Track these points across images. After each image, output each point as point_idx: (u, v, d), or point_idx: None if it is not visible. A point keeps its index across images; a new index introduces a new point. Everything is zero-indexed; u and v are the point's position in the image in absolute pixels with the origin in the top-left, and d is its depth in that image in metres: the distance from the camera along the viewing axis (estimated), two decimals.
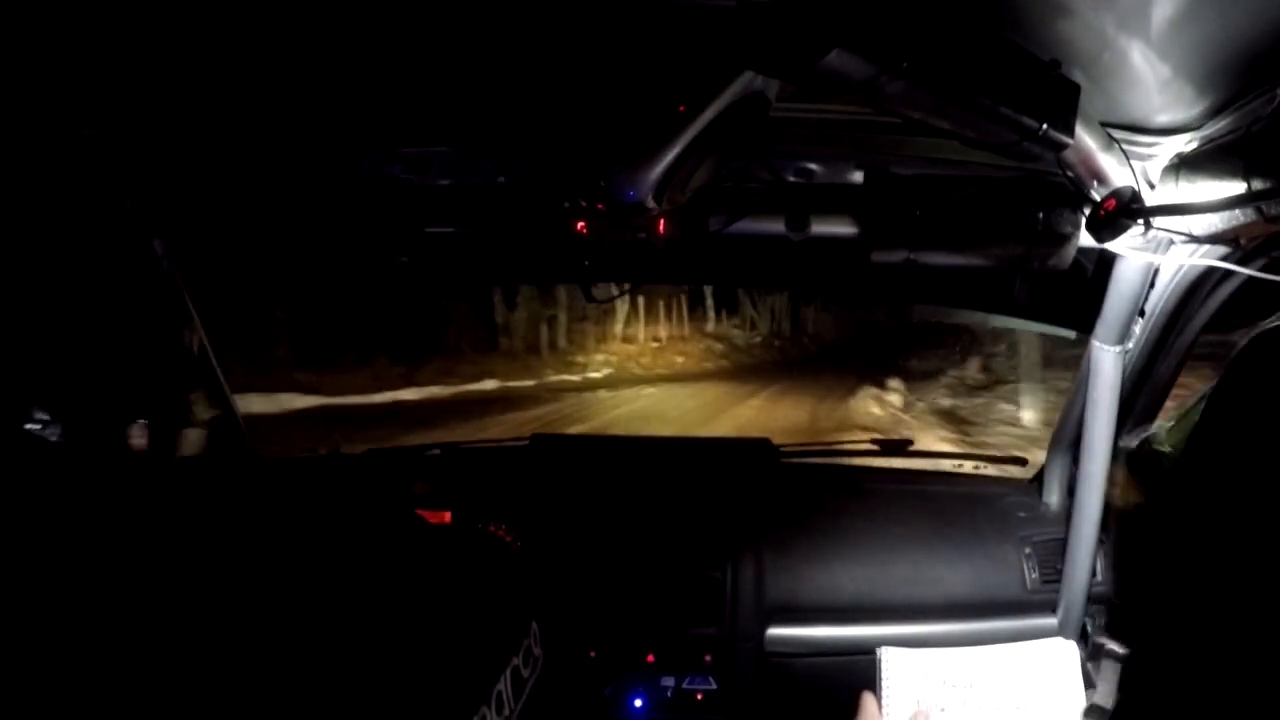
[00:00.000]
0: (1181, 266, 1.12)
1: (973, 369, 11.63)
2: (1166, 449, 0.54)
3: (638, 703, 1.39)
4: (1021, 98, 0.85)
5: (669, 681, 1.40)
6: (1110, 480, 1.23)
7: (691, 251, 1.14)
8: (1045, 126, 0.87)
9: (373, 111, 1.12)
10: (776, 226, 1.18)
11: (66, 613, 0.59)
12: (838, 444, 1.88)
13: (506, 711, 0.71)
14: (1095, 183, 1.03)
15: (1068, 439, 1.47)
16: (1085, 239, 1.10)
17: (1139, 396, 1.30)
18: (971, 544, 1.50)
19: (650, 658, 1.41)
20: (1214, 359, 0.85)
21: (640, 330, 14.28)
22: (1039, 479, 1.61)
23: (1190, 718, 0.44)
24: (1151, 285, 1.18)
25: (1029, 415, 8.50)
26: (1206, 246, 1.04)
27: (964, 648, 1.27)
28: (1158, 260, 1.13)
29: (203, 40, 0.91)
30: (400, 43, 0.93)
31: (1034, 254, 1.11)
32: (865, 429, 8.27)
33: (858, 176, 1.22)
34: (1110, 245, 1.06)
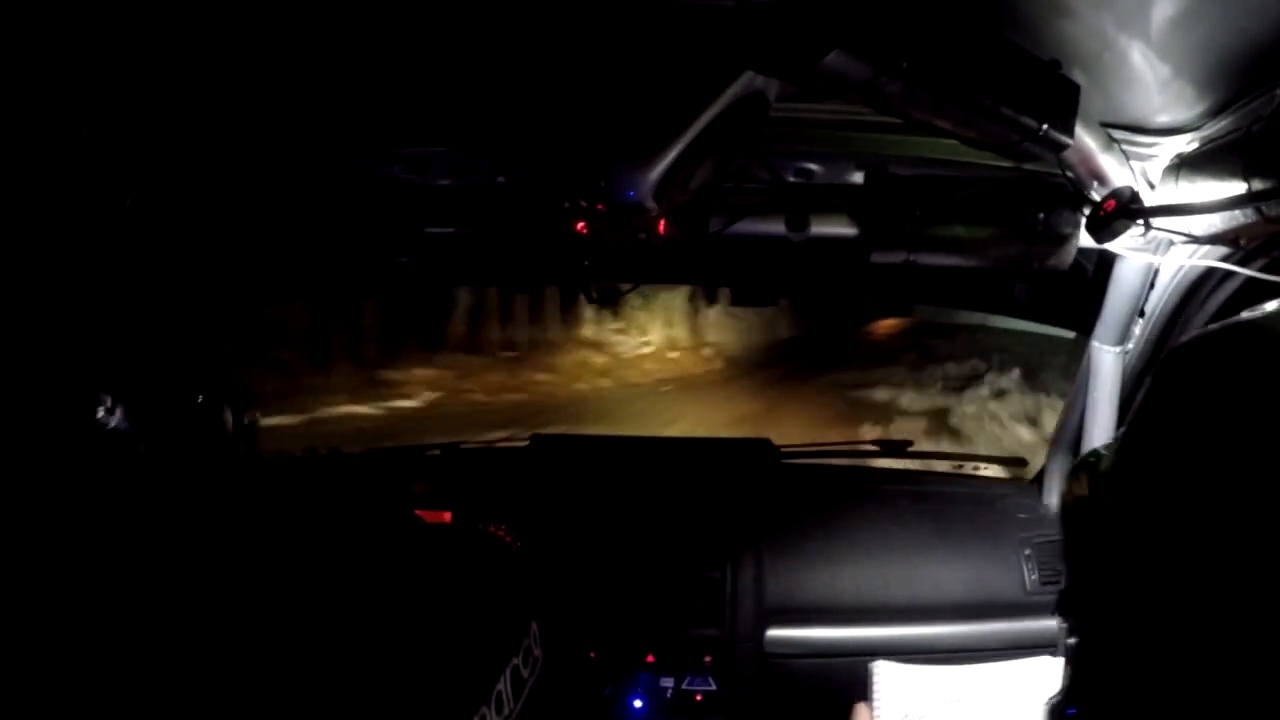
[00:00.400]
0: (1181, 267, 1.12)
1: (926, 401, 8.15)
2: (1104, 453, 0.56)
3: (637, 703, 1.39)
4: (1021, 98, 0.85)
5: (668, 682, 1.40)
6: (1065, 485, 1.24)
7: (691, 252, 1.15)
8: (1045, 127, 0.87)
9: (373, 111, 1.12)
10: (776, 227, 1.18)
11: (70, 614, 0.59)
12: (838, 444, 1.88)
13: (506, 711, 0.71)
14: (1095, 183, 1.03)
15: (1068, 440, 1.47)
16: (1085, 239, 1.10)
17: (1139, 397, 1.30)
18: (972, 545, 1.50)
19: (650, 658, 1.40)
20: None
21: (494, 332, 9.62)
22: (1039, 480, 1.61)
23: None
24: (1151, 286, 1.18)
25: None
26: (1206, 247, 1.04)
27: (956, 666, 1.27)
28: (1158, 261, 1.13)
29: (203, 40, 0.91)
30: (400, 43, 0.93)
31: (1034, 254, 1.11)
32: None
33: (858, 177, 1.22)
34: (1110, 246, 1.06)
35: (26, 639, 0.57)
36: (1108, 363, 1.23)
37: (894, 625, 1.42)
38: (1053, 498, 1.56)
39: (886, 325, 14.39)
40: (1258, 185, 0.79)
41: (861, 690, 1.14)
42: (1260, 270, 0.97)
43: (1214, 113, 0.90)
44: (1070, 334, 1.50)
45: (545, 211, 1.16)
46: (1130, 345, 1.24)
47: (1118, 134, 0.99)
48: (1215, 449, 0.41)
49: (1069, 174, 1.04)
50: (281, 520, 0.79)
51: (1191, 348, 0.48)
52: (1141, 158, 1.01)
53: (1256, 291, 0.97)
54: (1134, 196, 1.00)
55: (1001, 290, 1.20)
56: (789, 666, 1.43)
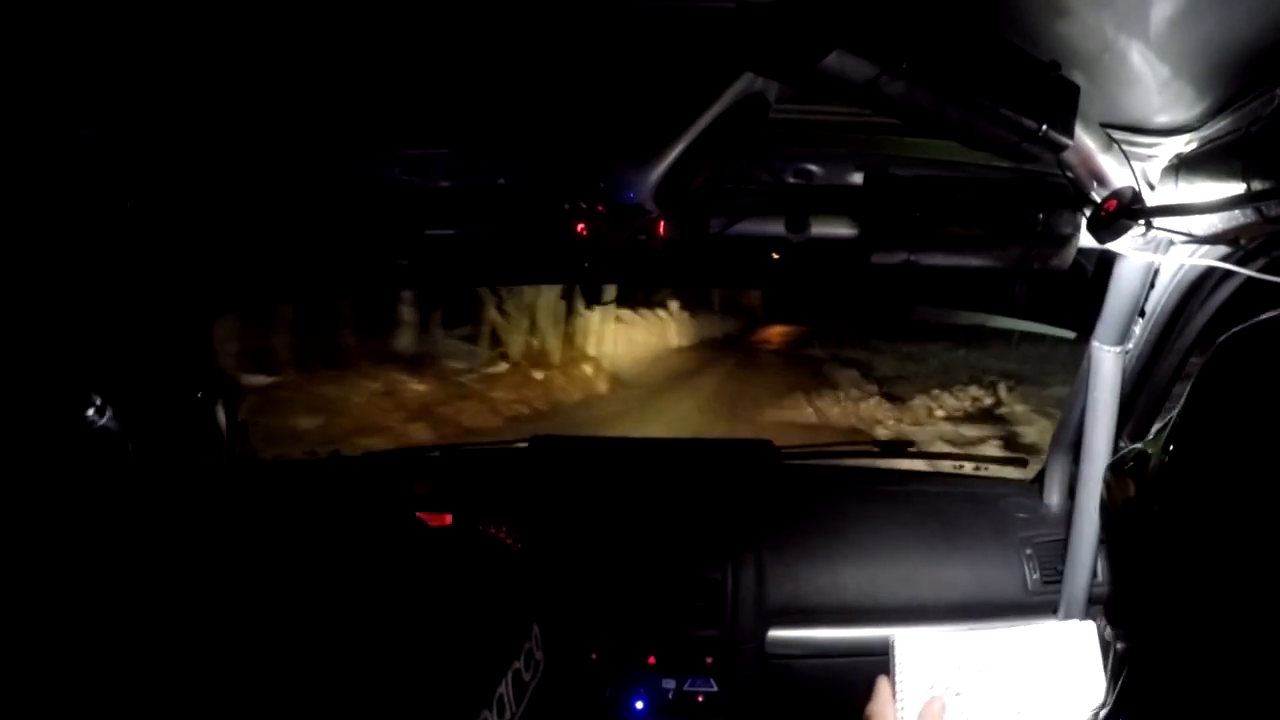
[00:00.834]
0: (1182, 267, 1.12)
1: None
2: (1151, 450, 0.54)
3: (639, 704, 1.39)
4: (1021, 99, 0.85)
5: (670, 683, 1.40)
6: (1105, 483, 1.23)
7: (691, 253, 1.15)
8: (1045, 127, 0.87)
9: (374, 113, 1.12)
10: (776, 228, 1.18)
11: (73, 616, 0.59)
12: (839, 445, 1.88)
13: (508, 714, 0.71)
14: (1095, 183, 1.03)
15: (1068, 440, 1.47)
16: (1085, 239, 1.10)
17: (1139, 397, 1.30)
18: (972, 545, 1.50)
19: (651, 660, 1.40)
20: None
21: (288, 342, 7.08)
22: (1039, 480, 1.61)
23: (1183, 714, 0.45)
24: (1152, 286, 1.18)
25: None
26: (1206, 247, 1.04)
27: (978, 631, 1.26)
28: (1158, 261, 1.13)
29: (203, 42, 0.91)
30: (401, 45, 0.93)
31: (1034, 255, 1.11)
32: None
33: (858, 178, 1.22)
34: (1111, 246, 1.06)
35: (17, 642, 0.56)
36: (1108, 363, 1.23)
37: (895, 625, 1.42)
38: (1053, 498, 1.56)
39: (778, 331, 14.88)
40: (1257, 185, 0.79)
41: (863, 689, 1.14)
42: (1260, 270, 0.97)
43: (1213, 113, 0.90)
44: (1070, 334, 1.50)
45: (545, 213, 1.16)
46: (1131, 345, 1.24)
47: (1117, 134, 0.99)
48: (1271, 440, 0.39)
49: (1069, 174, 1.04)
50: (282, 523, 0.79)
51: (1251, 335, 0.45)
52: (1141, 158, 1.01)
53: (1256, 291, 0.97)
54: (1134, 197, 1.00)
55: (1001, 290, 1.20)
56: (790, 667, 1.43)
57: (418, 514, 0.94)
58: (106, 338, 0.73)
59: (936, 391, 9.32)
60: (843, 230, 1.18)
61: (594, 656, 1.40)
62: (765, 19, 0.75)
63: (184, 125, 1.10)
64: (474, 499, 1.48)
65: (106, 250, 1.09)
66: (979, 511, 1.56)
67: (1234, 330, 0.47)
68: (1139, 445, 0.66)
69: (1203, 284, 1.13)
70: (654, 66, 0.96)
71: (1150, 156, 1.01)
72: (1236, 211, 0.84)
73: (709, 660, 1.40)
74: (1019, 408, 8.45)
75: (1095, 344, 1.24)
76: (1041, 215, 1.09)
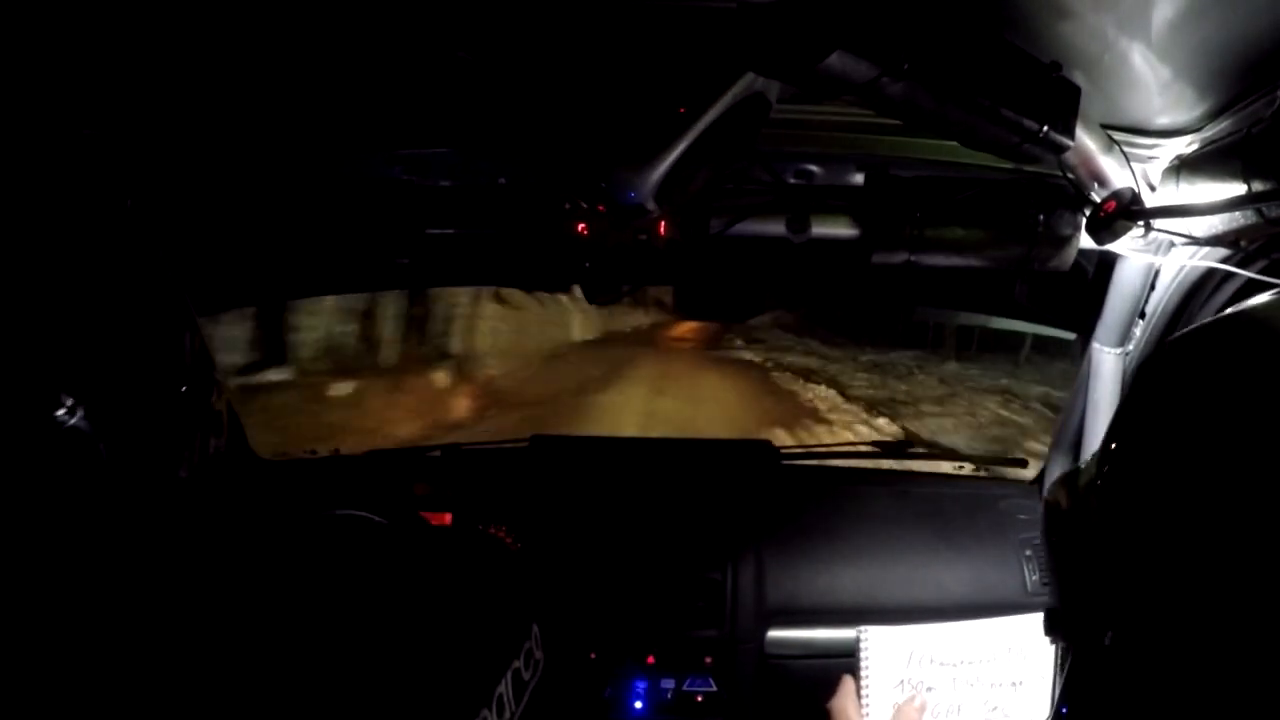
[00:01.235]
0: (1182, 268, 1.12)
1: None
2: (1083, 469, 0.55)
3: (638, 704, 1.39)
4: (1022, 100, 0.85)
5: (669, 683, 1.40)
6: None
7: (692, 253, 1.14)
8: (1046, 128, 0.87)
9: (374, 113, 1.12)
10: (777, 228, 1.18)
11: (75, 616, 0.59)
12: (838, 446, 1.88)
13: (508, 714, 0.71)
14: (1096, 184, 1.03)
15: (1068, 441, 1.47)
16: (1086, 241, 1.10)
17: None
18: (972, 546, 1.50)
19: (650, 659, 1.40)
20: None
21: None
22: (1039, 481, 1.61)
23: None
24: (1152, 287, 1.18)
25: None
26: (1207, 248, 1.04)
27: (947, 624, 1.26)
28: (1158, 262, 1.13)
29: (204, 41, 0.91)
30: (401, 44, 0.93)
31: (1034, 256, 1.11)
32: None
33: (858, 178, 1.22)
34: (1111, 247, 1.06)
35: (35, 638, 0.56)
36: (1108, 364, 1.23)
37: (894, 626, 1.42)
38: None
39: (687, 328, 13.96)
40: (1258, 186, 0.79)
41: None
42: (1260, 272, 0.97)
43: (1214, 114, 0.90)
44: (1070, 335, 1.50)
45: (546, 213, 1.16)
46: (1131, 346, 1.24)
47: (1118, 136, 0.99)
48: (1207, 446, 0.40)
49: (1069, 175, 1.04)
50: (282, 523, 0.79)
51: (1177, 346, 0.47)
52: (1142, 159, 1.01)
53: (1257, 292, 0.97)
54: (1135, 198, 1.01)
55: (1001, 291, 1.20)
56: (789, 667, 1.43)
57: (418, 513, 0.94)
58: (82, 336, 0.72)
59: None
60: (843, 230, 1.18)
61: (593, 656, 1.40)
62: (766, 19, 0.75)
63: (184, 125, 1.10)
64: (474, 499, 1.48)
65: (106, 249, 1.09)
66: (979, 512, 1.56)
67: (1175, 335, 0.48)
68: (1078, 466, 0.67)
69: (1203, 285, 1.13)
70: (655, 66, 0.96)
71: (1151, 158, 1.01)
72: (1237, 213, 0.84)
73: (708, 660, 1.40)
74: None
75: (1095, 345, 1.24)
76: (1042, 216, 1.09)
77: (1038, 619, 1.24)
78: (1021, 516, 1.54)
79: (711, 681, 1.40)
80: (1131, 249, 1.08)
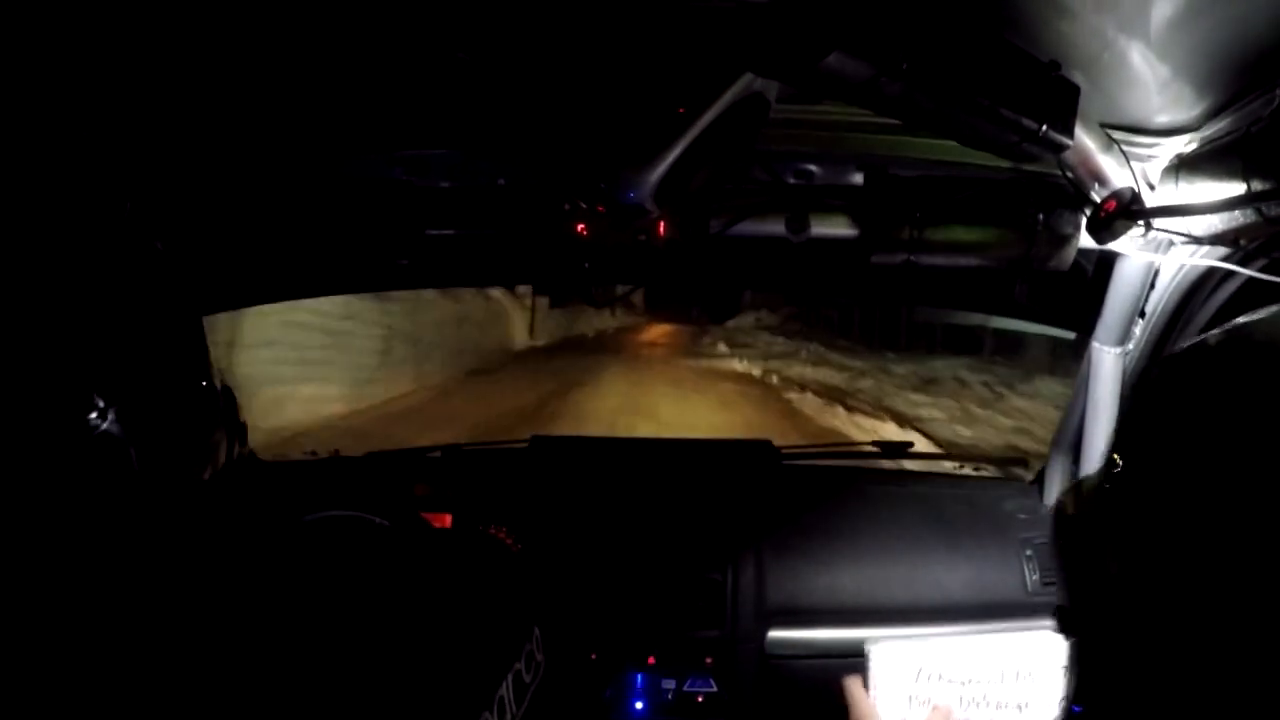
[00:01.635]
0: (1182, 267, 1.12)
1: None
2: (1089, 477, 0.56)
3: (638, 705, 1.39)
4: (1021, 99, 0.85)
5: (670, 684, 1.40)
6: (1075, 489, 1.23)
7: (691, 253, 1.14)
8: (1045, 128, 0.87)
9: (373, 113, 1.12)
10: (777, 228, 1.18)
11: (76, 617, 0.59)
12: (839, 446, 1.88)
13: (509, 716, 0.71)
14: (1095, 184, 1.03)
15: (1068, 441, 1.47)
16: (1085, 240, 1.10)
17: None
18: (972, 546, 1.49)
19: (651, 660, 1.40)
20: None
21: None
22: (1039, 480, 1.61)
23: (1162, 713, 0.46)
24: (1152, 286, 1.18)
25: None
26: (1207, 247, 1.04)
27: (955, 638, 1.26)
28: (1158, 261, 1.13)
29: (204, 41, 0.91)
30: (401, 45, 0.93)
31: (1034, 255, 1.11)
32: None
33: (858, 178, 1.22)
34: (1111, 246, 1.06)
35: (16, 648, 0.56)
36: (1108, 363, 1.23)
37: (895, 626, 1.42)
38: (1053, 499, 1.56)
39: (660, 331, 13.49)
40: (1257, 186, 0.79)
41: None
42: (1260, 270, 0.97)
43: (1213, 113, 0.90)
44: (1070, 334, 1.50)
45: (546, 213, 1.16)
46: (1131, 346, 1.24)
47: (1117, 135, 0.99)
48: (1216, 455, 0.41)
49: (1069, 175, 1.04)
50: (282, 524, 0.79)
51: (1186, 356, 0.48)
52: (1141, 158, 1.01)
53: (1256, 291, 0.97)
54: (1134, 197, 1.01)
55: (1001, 291, 1.20)
56: (790, 667, 1.43)
57: (418, 514, 0.93)
58: (107, 338, 0.72)
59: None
60: (843, 230, 1.18)
61: (594, 657, 1.40)
62: (765, 19, 0.75)
63: (184, 126, 1.10)
64: (474, 499, 1.48)
65: (106, 250, 1.08)
66: (979, 512, 1.56)
67: (1179, 347, 0.50)
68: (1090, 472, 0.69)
69: (1203, 284, 1.13)
70: (655, 66, 0.96)
71: (1150, 157, 1.01)
72: (1237, 212, 0.84)
73: (709, 660, 1.40)
74: None
75: (1095, 344, 1.24)
76: (1041, 215, 1.09)
77: (1045, 638, 1.25)
78: (1022, 516, 1.54)
79: (712, 682, 1.40)
80: (1131, 248, 1.08)
